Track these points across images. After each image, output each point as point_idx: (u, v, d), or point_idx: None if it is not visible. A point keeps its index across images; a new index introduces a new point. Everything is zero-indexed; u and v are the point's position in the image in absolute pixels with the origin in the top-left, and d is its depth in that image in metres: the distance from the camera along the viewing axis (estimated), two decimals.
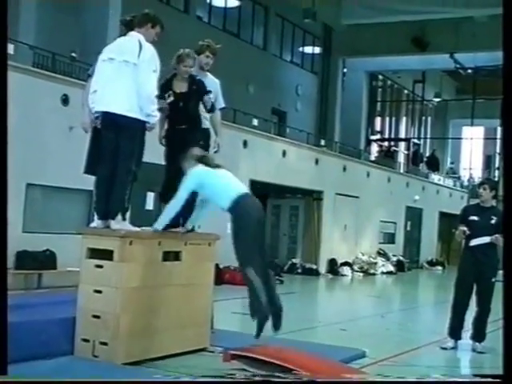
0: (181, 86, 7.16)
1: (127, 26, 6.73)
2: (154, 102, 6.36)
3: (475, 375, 7.38)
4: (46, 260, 12.29)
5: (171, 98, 7.08)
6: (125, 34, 6.60)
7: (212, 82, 7.44)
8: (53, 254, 12.40)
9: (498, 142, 35.43)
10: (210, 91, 7.19)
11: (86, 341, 6.20)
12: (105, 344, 6.12)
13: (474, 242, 8.39)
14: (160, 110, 6.71)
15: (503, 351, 4.74)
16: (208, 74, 7.48)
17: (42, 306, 6.94)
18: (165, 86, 7.03)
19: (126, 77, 6.25)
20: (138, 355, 6.28)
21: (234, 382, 6.02)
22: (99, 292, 6.21)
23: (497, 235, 8.31)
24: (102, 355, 6.09)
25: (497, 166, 34.83)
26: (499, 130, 35.34)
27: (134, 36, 6.42)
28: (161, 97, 6.82)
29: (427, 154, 35.34)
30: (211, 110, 7.30)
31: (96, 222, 6.53)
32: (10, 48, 12.31)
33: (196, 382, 6.25)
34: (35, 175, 12.14)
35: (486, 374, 7.21)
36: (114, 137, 6.31)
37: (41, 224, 12.46)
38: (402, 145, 35.00)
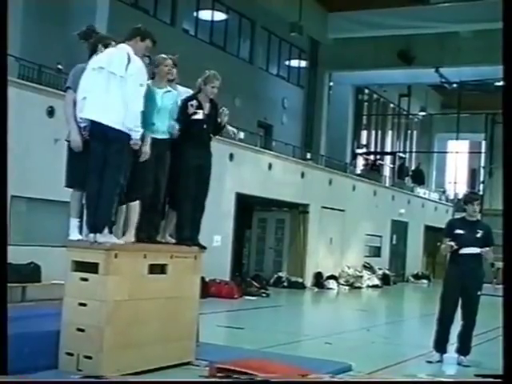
0: (205, 107, 7.20)
1: (83, 38, 6.79)
2: (137, 117, 6.30)
3: (476, 375, 7.40)
4: (31, 273, 12.19)
5: (200, 117, 7.11)
6: (94, 51, 6.62)
7: (186, 94, 7.41)
8: (37, 267, 12.30)
9: (483, 155, 35.62)
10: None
11: (71, 354, 6.16)
12: (89, 358, 6.07)
13: (463, 251, 8.39)
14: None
15: (503, 351, 4.74)
16: (178, 86, 7.41)
17: (26, 319, 6.87)
18: (191, 100, 7.10)
19: (114, 89, 6.22)
20: (122, 369, 6.23)
21: (231, 382, 6.01)
22: (84, 305, 6.17)
23: (487, 248, 8.36)
24: (87, 369, 6.04)
25: (482, 179, 35.02)
26: (484, 143, 35.56)
27: (124, 48, 6.38)
28: (185, 110, 6.99)
29: (413, 168, 35.48)
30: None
31: (88, 236, 6.40)
32: None
33: (193, 382, 6.23)
34: (20, 187, 12.05)
35: (486, 374, 7.24)
36: (103, 149, 6.24)
37: (25, 236, 12.37)
38: (388, 158, 35.11)
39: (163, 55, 7.10)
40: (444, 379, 7.15)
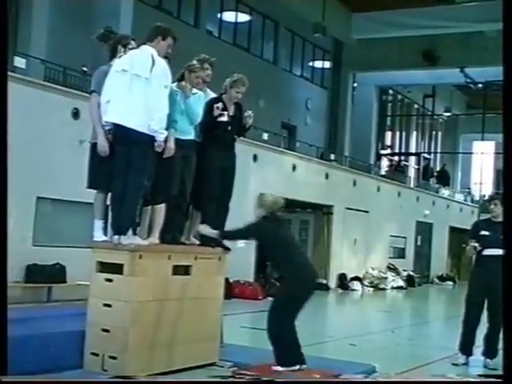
0: (230, 109, 7.21)
1: (102, 40, 6.81)
2: (163, 120, 6.30)
3: (479, 375, 7.37)
4: (56, 273, 12.29)
5: (225, 119, 7.13)
6: (114, 52, 6.65)
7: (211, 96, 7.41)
8: (62, 268, 12.40)
9: None
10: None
11: (96, 355, 6.19)
12: (114, 358, 6.10)
13: (487, 252, 8.33)
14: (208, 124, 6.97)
15: (503, 351, 4.70)
16: (207, 89, 7.41)
17: (52, 319, 6.92)
18: (216, 102, 7.10)
19: (138, 91, 6.21)
20: (146, 369, 6.25)
21: (235, 382, 6.01)
22: (109, 306, 6.20)
23: None
24: (111, 369, 6.07)
25: None
26: None
27: (147, 50, 6.37)
28: (210, 112, 6.97)
29: (437, 169, 35.25)
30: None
31: (113, 238, 6.40)
32: (22, 62, 12.41)
33: (196, 382, 6.24)
34: (45, 189, 12.17)
35: (489, 374, 7.21)
36: (126, 151, 6.24)
37: (51, 237, 12.46)
38: (413, 159, 34.90)
39: (198, 64, 7.05)
40: (445, 379, 7.11)
